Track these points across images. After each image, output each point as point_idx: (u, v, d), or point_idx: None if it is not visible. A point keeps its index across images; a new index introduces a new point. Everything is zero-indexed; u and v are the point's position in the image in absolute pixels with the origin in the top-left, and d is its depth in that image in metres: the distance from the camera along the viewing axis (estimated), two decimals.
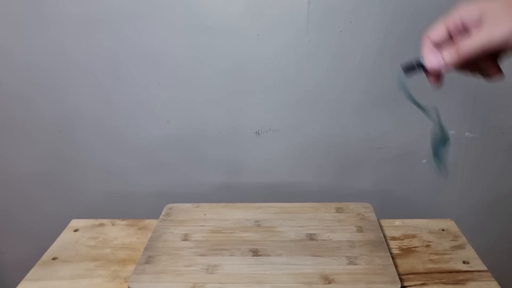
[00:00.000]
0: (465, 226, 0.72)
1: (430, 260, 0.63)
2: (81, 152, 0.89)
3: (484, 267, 0.61)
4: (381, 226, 0.70)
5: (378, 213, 0.72)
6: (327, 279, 0.57)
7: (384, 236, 0.68)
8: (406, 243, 0.67)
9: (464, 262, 0.63)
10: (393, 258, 0.62)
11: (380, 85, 0.83)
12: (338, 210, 0.73)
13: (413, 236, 0.69)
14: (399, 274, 0.59)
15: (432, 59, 0.42)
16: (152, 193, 0.92)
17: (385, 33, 0.79)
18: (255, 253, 0.63)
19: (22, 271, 0.64)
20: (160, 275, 0.58)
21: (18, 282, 0.60)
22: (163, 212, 0.73)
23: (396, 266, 0.61)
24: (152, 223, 0.73)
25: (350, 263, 0.60)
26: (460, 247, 0.66)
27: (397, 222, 0.72)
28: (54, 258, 0.65)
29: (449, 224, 0.72)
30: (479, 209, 0.93)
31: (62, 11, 0.78)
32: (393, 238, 0.68)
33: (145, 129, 0.87)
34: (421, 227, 0.71)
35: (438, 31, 0.44)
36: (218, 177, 0.92)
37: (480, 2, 0.41)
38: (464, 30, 0.42)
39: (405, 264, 0.62)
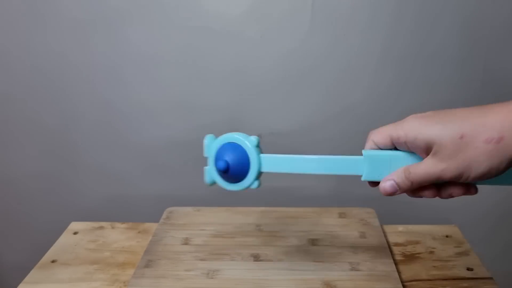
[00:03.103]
0: (469, 233, 0.72)
1: (434, 266, 0.63)
2: (80, 155, 0.89)
3: (488, 274, 0.61)
4: (384, 232, 0.69)
5: (381, 219, 0.72)
6: (329, 285, 0.56)
7: (387, 242, 0.67)
8: (409, 249, 0.67)
9: (468, 269, 0.62)
10: (396, 264, 0.62)
11: (383, 88, 0.82)
12: (341, 215, 0.73)
13: (417, 242, 0.68)
14: (402, 281, 0.58)
15: (387, 185, 0.42)
16: (153, 196, 0.92)
17: (389, 36, 0.79)
18: (256, 258, 0.62)
19: (21, 273, 0.63)
20: (160, 280, 0.58)
21: (16, 284, 0.60)
22: (164, 216, 0.73)
23: (399, 272, 0.60)
24: (152, 226, 0.73)
25: (353, 269, 0.59)
26: (464, 253, 0.65)
27: (401, 228, 0.72)
28: (53, 261, 0.65)
29: (453, 230, 0.71)
30: (484, 215, 0.92)
31: (61, 12, 0.78)
32: (396, 244, 0.68)
33: (146, 131, 0.87)
34: (424, 233, 0.70)
35: (382, 138, 0.43)
36: None
37: (430, 129, 0.38)
38: (408, 148, 0.41)
39: (408, 271, 0.62)
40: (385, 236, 0.69)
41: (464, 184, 0.41)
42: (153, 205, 0.84)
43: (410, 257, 0.65)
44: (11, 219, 0.96)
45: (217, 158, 0.49)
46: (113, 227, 0.74)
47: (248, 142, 0.48)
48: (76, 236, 0.71)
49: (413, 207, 0.91)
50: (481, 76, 0.81)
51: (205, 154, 0.50)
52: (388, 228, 0.71)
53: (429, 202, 0.91)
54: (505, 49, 0.79)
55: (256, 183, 0.49)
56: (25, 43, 0.81)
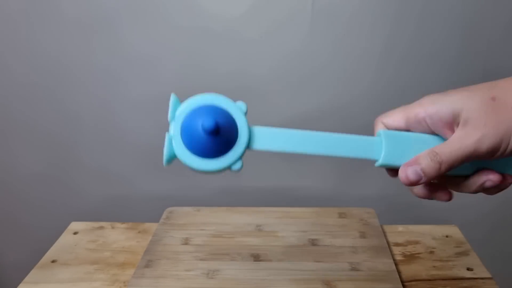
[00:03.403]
0: (469, 233, 0.72)
1: (434, 266, 0.63)
2: (80, 155, 0.89)
3: (488, 274, 0.61)
4: (384, 232, 0.69)
5: (381, 219, 0.72)
6: (329, 285, 0.56)
7: (387, 242, 0.67)
8: (409, 249, 0.67)
9: (468, 269, 0.62)
10: (396, 264, 0.62)
11: (383, 88, 0.82)
12: (341, 215, 0.72)
13: (417, 242, 0.68)
14: (402, 281, 0.58)
15: (410, 172, 0.34)
16: (153, 196, 0.92)
17: (389, 36, 0.79)
18: (256, 258, 0.62)
19: (21, 273, 0.63)
20: (160, 280, 0.58)
21: (16, 284, 0.60)
22: (163, 216, 0.73)
23: (399, 272, 0.60)
24: (152, 226, 0.73)
25: (353, 269, 0.59)
26: (464, 253, 0.65)
27: (401, 228, 0.72)
28: (53, 261, 0.65)
29: (453, 231, 0.71)
30: (484, 215, 0.92)
31: (61, 12, 0.78)
32: (396, 244, 0.68)
33: (146, 132, 0.87)
34: (424, 233, 0.70)
35: (395, 120, 0.37)
36: (219, 180, 0.91)
37: (453, 97, 0.34)
38: (428, 126, 0.35)
39: (408, 271, 0.62)
40: (385, 236, 0.69)
41: (498, 172, 0.35)
42: (153, 205, 0.84)
43: (410, 257, 0.65)
44: (11, 219, 0.96)
45: (195, 118, 0.35)
46: (113, 227, 0.74)
47: (236, 107, 0.36)
48: (76, 236, 0.71)
49: (413, 207, 0.91)
50: (481, 77, 0.81)
51: (171, 117, 0.37)
52: (388, 228, 0.71)
53: (430, 202, 0.91)
54: (505, 49, 0.79)
55: (239, 164, 0.36)
56: (24, 44, 0.81)
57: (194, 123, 0.35)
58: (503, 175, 0.36)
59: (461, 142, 0.33)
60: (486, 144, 0.32)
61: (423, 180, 0.34)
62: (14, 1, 0.78)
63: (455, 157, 0.33)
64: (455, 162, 0.33)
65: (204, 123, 0.33)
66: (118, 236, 0.71)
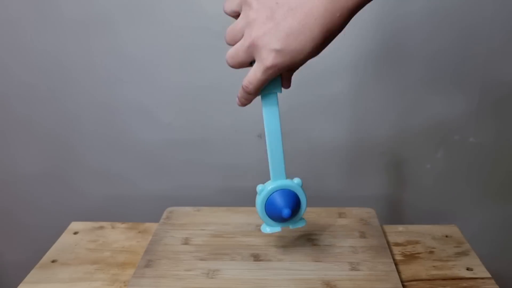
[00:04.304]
0: (469, 233, 0.72)
1: (434, 266, 0.63)
2: (81, 155, 0.89)
3: (488, 274, 0.61)
4: (384, 232, 0.69)
5: (381, 219, 0.72)
6: (329, 285, 0.56)
7: (387, 242, 0.67)
8: (409, 249, 0.67)
9: (468, 269, 0.62)
10: (396, 264, 0.62)
11: (384, 88, 0.83)
12: (341, 215, 0.72)
13: (417, 242, 0.68)
14: (402, 281, 0.58)
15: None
16: (153, 196, 0.92)
17: (389, 36, 0.79)
18: (256, 258, 0.62)
19: (21, 273, 0.63)
20: (160, 279, 0.58)
21: (17, 284, 0.60)
22: (164, 216, 0.73)
23: (399, 272, 0.60)
24: (152, 226, 0.73)
25: (353, 269, 0.59)
26: (464, 253, 0.65)
27: (401, 227, 0.72)
28: (53, 261, 0.65)
29: (453, 230, 0.71)
30: (483, 215, 0.92)
31: (62, 12, 0.78)
32: (396, 244, 0.68)
33: (146, 131, 0.87)
34: (424, 233, 0.70)
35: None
36: (219, 180, 0.91)
37: None
38: None
39: (408, 271, 0.62)
40: (385, 236, 0.69)
41: None
42: (153, 205, 0.84)
43: (410, 257, 0.65)
44: (11, 219, 0.96)
45: (275, 209, 0.53)
46: (113, 227, 0.74)
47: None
48: (76, 236, 0.71)
49: (413, 207, 0.91)
50: (481, 78, 0.81)
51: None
52: (388, 228, 0.71)
53: (430, 203, 0.91)
54: (505, 51, 0.79)
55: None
56: (25, 44, 0.81)
57: (277, 203, 0.53)
58: None
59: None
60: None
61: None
62: (14, 2, 0.78)
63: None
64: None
65: (284, 212, 0.51)
66: (118, 236, 0.71)
